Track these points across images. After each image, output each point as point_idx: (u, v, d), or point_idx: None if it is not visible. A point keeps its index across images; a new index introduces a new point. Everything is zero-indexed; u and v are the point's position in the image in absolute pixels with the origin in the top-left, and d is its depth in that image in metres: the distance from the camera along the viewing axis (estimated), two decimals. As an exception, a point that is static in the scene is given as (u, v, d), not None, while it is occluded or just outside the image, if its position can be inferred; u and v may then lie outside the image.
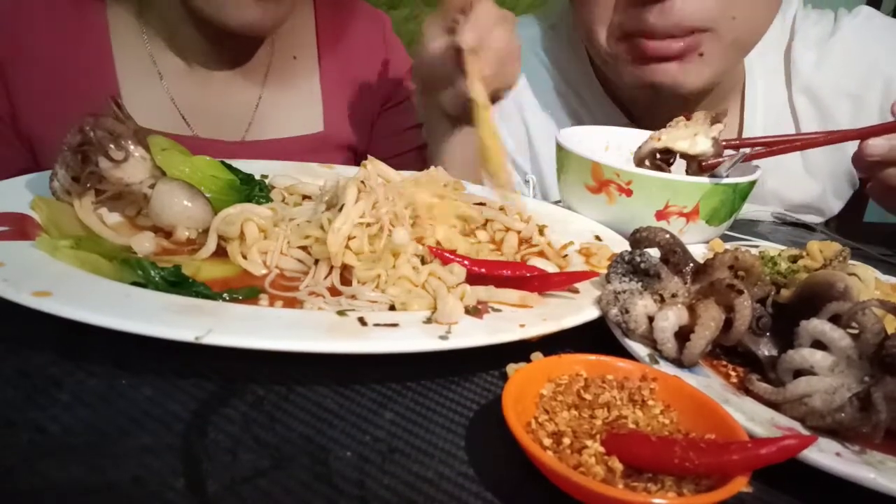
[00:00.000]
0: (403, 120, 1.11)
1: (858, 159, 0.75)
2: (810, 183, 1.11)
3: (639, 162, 0.79)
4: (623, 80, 1.00)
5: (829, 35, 1.04)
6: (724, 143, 0.77)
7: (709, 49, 0.91)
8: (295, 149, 0.98)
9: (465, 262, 0.56)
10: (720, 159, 0.75)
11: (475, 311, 0.50)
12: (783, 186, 1.10)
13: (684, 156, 0.77)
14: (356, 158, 1.08)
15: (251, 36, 0.92)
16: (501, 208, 0.69)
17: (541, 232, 0.70)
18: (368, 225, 0.57)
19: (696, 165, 0.76)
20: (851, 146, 0.80)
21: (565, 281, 0.56)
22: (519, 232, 0.67)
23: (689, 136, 0.76)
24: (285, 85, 1.02)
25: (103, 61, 0.91)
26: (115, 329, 0.41)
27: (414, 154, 1.08)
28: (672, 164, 0.79)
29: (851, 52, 1.04)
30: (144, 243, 0.57)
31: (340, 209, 0.56)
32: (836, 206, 1.15)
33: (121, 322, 0.41)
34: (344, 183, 0.59)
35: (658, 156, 0.78)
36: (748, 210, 1.04)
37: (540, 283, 0.55)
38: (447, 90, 0.79)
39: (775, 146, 0.77)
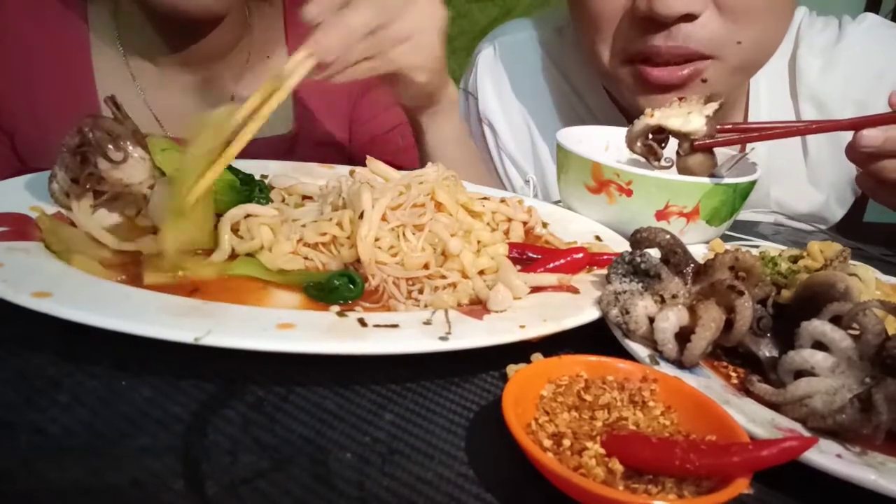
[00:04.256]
0: (382, 100, 1.08)
1: (852, 150, 0.75)
2: (814, 193, 1.10)
3: (631, 142, 0.79)
4: (625, 103, 1.00)
5: (835, 42, 1.04)
6: (717, 125, 0.76)
7: (712, 75, 0.91)
8: (269, 150, 0.97)
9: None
10: (713, 140, 0.74)
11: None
12: (787, 196, 1.10)
13: (676, 135, 0.76)
14: (336, 155, 1.05)
15: (191, 23, 0.89)
16: (503, 201, 0.70)
17: (543, 226, 0.71)
18: (394, 227, 0.57)
19: (689, 145, 0.75)
20: None
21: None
22: (524, 222, 0.68)
23: (683, 114, 0.76)
24: (258, 85, 1.01)
25: (82, 60, 0.91)
26: (115, 330, 0.41)
27: (398, 131, 1.06)
28: (664, 146, 0.79)
29: (857, 60, 1.03)
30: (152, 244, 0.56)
31: (361, 216, 0.56)
32: (838, 214, 1.15)
33: (120, 323, 0.41)
34: (356, 188, 0.59)
35: (651, 136, 0.78)
36: (749, 216, 1.04)
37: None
38: None
39: (768, 131, 0.76)
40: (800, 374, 0.46)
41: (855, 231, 1.00)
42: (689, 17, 0.87)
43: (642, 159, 0.80)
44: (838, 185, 1.11)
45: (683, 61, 0.90)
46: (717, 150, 0.77)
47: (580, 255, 0.61)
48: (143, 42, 0.93)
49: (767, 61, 0.96)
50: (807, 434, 0.42)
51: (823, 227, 1.11)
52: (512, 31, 1.20)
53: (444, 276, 0.55)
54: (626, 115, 1.11)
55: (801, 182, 1.10)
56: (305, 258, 0.57)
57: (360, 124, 1.08)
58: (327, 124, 1.05)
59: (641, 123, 0.78)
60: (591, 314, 0.51)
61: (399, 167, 0.71)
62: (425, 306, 0.53)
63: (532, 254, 0.62)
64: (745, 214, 0.99)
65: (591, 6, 0.94)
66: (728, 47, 0.89)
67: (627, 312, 0.49)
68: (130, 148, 0.59)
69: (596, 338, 0.51)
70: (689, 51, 0.88)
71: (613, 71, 0.97)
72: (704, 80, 0.91)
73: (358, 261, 0.55)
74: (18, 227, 0.54)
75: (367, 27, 0.66)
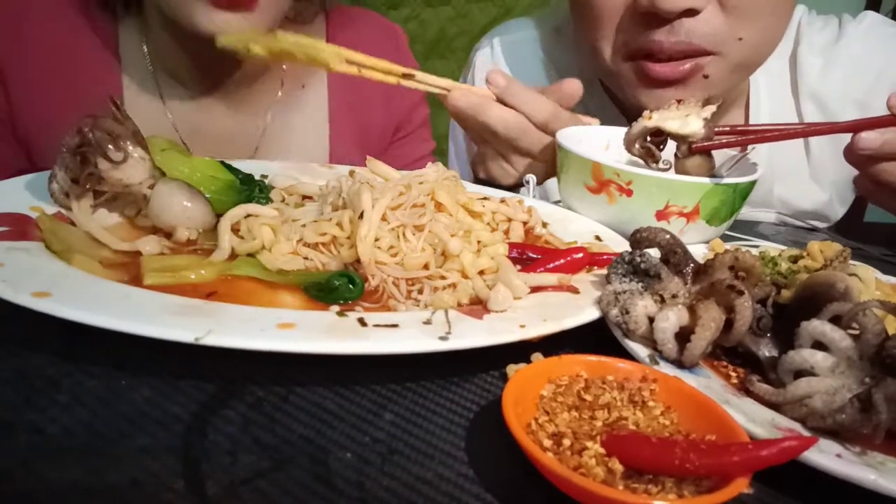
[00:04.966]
0: (415, 150, 1.09)
1: (850, 153, 0.75)
2: (817, 190, 1.11)
3: (629, 144, 0.79)
4: (626, 99, 1.00)
5: (835, 41, 1.04)
6: (715, 128, 0.77)
7: (713, 71, 0.91)
8: None
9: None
10: (711, 142, 0.75)
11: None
12: (790, 194, 1.10)
13: (675, 137, 0.76)
14: None
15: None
16: (503, 201, 0.70)
17: (543, 226, 0.71)
18: (394, 227, 0.57)
19: (687, 148, 0.76)
20: None
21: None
22: (525, 222, 0.68)
23: (681, 116, 0.76)
24: (292, 114, 0.99)
25: (110, 76, 0.90)
26: (114, 330, 0.41)
27: None
28: (662, 149, 0.79)
29: (858, 59, 1.03)
30: (152, 244, 0.57)
31: (361, 216, 0.56)
32: (840, 212, 1.15)
33: (120, 322, 0.41)
34: (356, 189, 0.59)
35: (649, 138, 0.78)
36: (752, 214, 1.04)
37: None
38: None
39: (765, 134, 0.77)
40: (799, 373, 0.46)
41: (855, 231, 1.00)
42: (691, 12, 0.87)
43: (641, 161, 0.80)
44: (840, 184, 1.11)
45: (685, 57, 0.90)
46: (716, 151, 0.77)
47: (580, 255, 0.61)
48: (173, 63, 0.92)
49: (767, 59, 0.97)
50: (806, 434, 0.42)
51: (825, 226, 1.12)
52: (510, 31, 1.20)
53: (443, 277, 0.55)
54: (626, 114, 1.11)
55: (804, 180, 1.10)
56: (305, 258, 0.57)
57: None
58: (360, 158, 1.04)
59: (639, 126, 0.78)
60: (591, 314, 0.51)
61: None
62: (425, 306, 0.53)
63: (532, 254, 0.63)
64: (747, 213, 0.99)
65: (592, 2, 0.94)
66: (729, 43, 0.89)
67: (627, 312, 0.49)
68: (130, 148, 0.59)
69: (596, 338, 0.51)
70: (690, 46, 0.88)
71: (615, 67, 0.97)
72: (706, 76, 0.91)
73: (358, 261, 0.55)
74: (18, 227, 0.54)
75: (495, 128, 0.83)
